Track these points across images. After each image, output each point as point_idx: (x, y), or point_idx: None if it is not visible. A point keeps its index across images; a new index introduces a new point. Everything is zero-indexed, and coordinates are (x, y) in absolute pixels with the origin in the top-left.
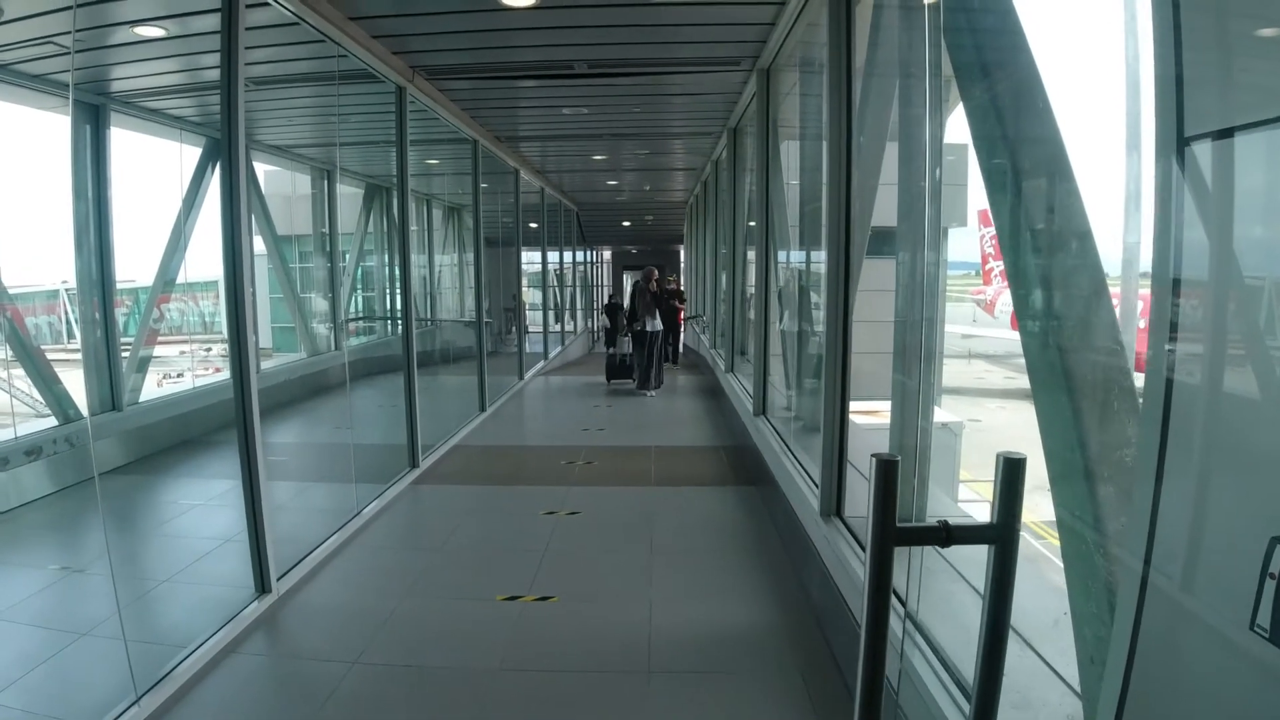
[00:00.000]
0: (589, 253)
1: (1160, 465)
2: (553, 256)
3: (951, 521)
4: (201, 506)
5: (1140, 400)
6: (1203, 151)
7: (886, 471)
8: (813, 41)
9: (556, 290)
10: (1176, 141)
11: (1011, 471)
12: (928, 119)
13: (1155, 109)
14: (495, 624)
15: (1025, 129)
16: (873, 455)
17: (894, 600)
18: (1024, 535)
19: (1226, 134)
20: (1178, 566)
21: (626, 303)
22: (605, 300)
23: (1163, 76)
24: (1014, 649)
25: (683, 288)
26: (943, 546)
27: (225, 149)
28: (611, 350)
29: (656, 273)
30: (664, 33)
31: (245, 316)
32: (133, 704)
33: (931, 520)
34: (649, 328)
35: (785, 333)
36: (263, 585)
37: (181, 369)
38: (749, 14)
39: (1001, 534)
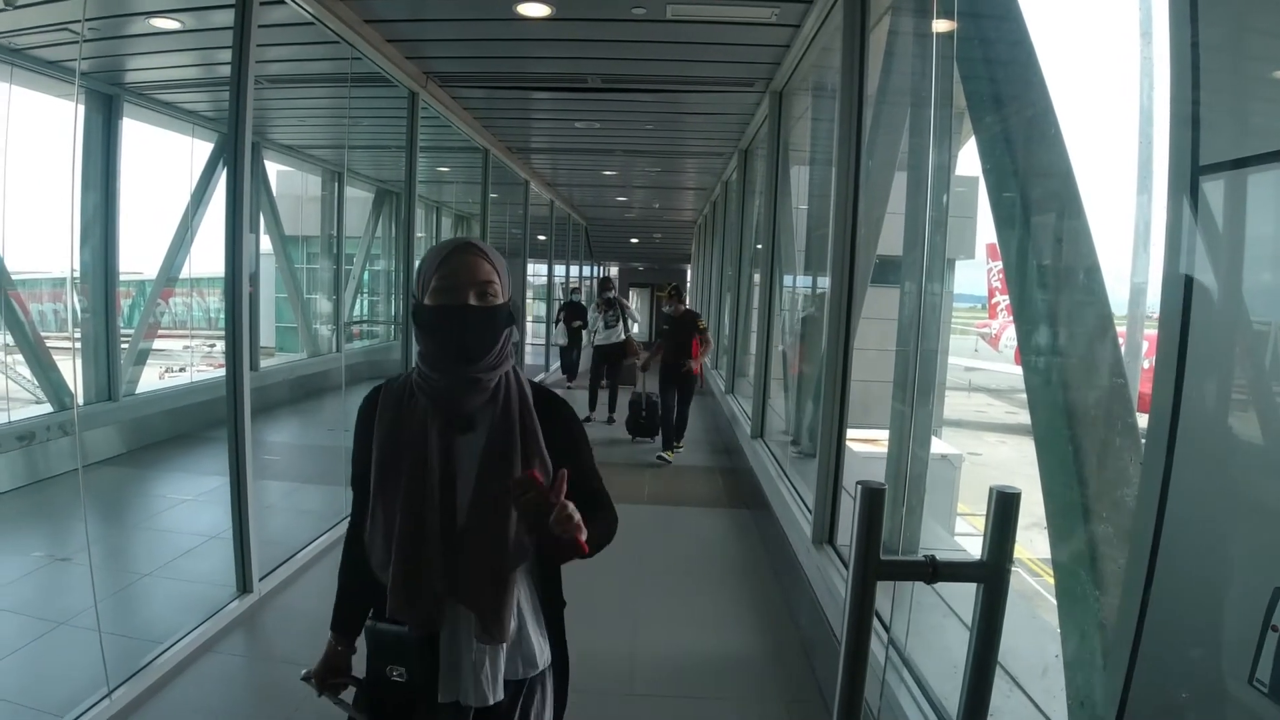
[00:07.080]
0: (596, 268)
1: (1162, 507)
2: (559, 270)
3: (939, 557)
4: (191, 501)
5: (1143, 440)
6: (1215, 190)
7: (872, 500)
8: (826, 66)
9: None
10: (1191, 179)
11: (1004, 507)
12: (938, 149)
13: (1169, 147)
14: None
15: (1036, 162)
16: (858, 482)
17: (880, 629)
18: (1019, 572)
19: (1239, 174)
20: (1176, 612)
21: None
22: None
23: (1178, 115)
24: (1002, 687)
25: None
26: (928, 583)
27: (231, 145)
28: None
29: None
30: (678, 50)
31: (242, 313)
32: (104, 697)
33: (918, 555)
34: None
35: (786, 357)
36: (244, 585)
37: (184, 363)
38: (764, 35)
39: (991, 573)
